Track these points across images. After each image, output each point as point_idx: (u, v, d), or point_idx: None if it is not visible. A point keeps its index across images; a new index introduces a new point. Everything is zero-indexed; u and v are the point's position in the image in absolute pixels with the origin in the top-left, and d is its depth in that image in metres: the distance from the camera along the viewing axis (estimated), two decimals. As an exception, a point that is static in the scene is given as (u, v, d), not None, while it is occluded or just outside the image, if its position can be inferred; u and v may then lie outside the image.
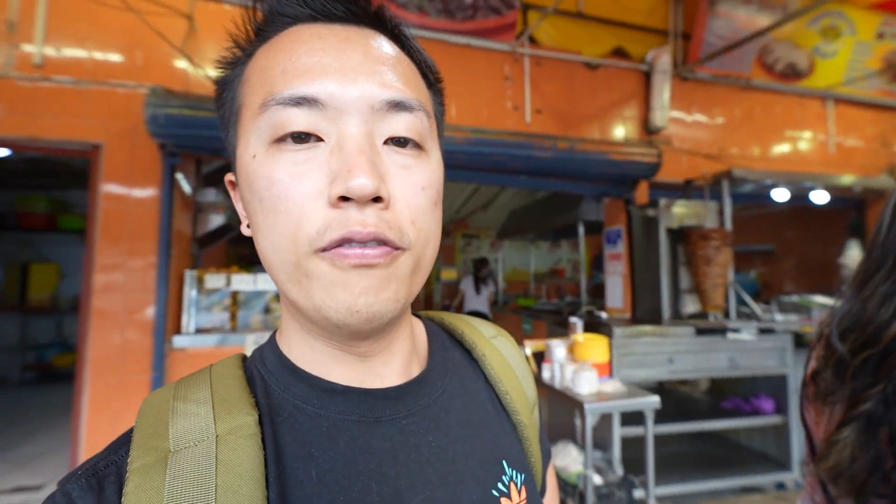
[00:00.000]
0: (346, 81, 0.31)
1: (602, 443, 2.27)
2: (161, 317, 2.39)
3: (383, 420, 0.35)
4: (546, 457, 0.49)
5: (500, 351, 0.48)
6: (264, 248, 0.33)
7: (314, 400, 0.35)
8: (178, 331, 2.51)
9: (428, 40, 3.05)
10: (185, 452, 0.29)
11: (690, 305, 2.93)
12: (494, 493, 0.37)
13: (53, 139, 2.36)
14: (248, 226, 0.37)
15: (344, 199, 0.30)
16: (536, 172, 3.04)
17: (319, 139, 0.31)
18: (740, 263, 4.97)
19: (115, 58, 2.46)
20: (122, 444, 0.31)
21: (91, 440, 2.28)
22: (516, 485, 0.39)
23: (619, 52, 3.53)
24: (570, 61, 3.41)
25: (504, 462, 0.40)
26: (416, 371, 0.40)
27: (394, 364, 0.38)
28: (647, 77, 3.58)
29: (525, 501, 0.39)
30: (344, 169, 0.30)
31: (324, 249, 0.30)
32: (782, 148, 4.09)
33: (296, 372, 0.36)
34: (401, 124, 0.33)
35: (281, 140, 0.31)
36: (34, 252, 5.33)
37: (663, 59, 3.43)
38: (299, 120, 0.31)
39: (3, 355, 4.98)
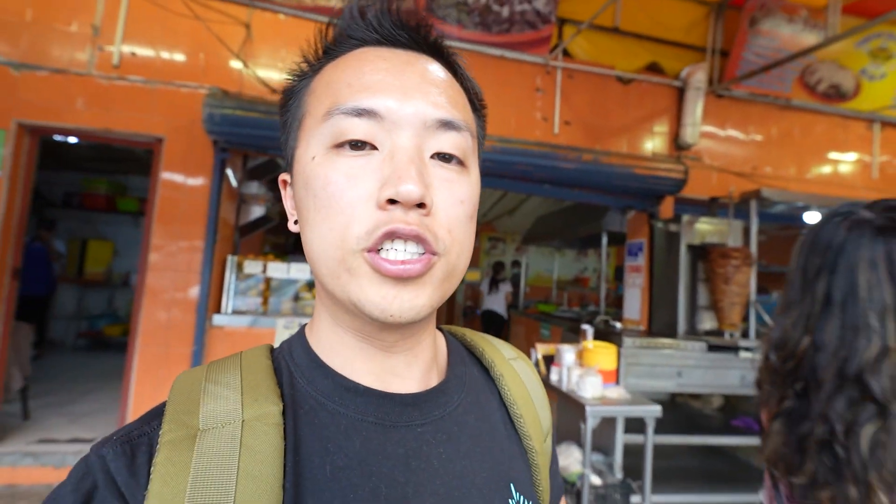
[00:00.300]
0: (404, 99, 0.34)
1: (606, 447, 2.34)
2: (204, 296, 2.64)
3: (399, 426, 0.36)
4: (558, 492, 0.49)
5: (518, 373, 0.48)
6: (311, 241, 0.35)
7: (336, 397, 0.36)
8: (217, 310, 2.75)
9: (462, 51, 3.18)
10: (213, 432, 0.31)
11: (707, 322, 2.94)
12: None
13: (124, 131, 2.65)
14: (295, 222, 0.40)
15: (391, 202, 0.32)
16: (561, 182, 3.12)
17: (374, 148, 0.34)
18: (774, 284, 4.84)
19: (180, 60, 2.73)
20: (155, 417, 0.33)
21: (137, 401, 2.55)
22: None
23: (653, 68, 3.56)
24: (602, 75, 3.46)
25: (512, 485, 0.40)
26: (434, 381, 0.41)
27: (415, 367, 0.39)
28: (680, 93, 3.59)
29: None
30: (394, 175, 0.32)
31: (369, 250, 0.33)
32: (821, 169, 3.99)
33: (322, 368, 0.38)
34: (447, 142, 0.36)
35: (340, 146, 0.34)
36: (93, 230, 5.82)
37: (698, 76, 3.43)
38: (359, 129, 0.34)
39: (62, 323, 5.49)
